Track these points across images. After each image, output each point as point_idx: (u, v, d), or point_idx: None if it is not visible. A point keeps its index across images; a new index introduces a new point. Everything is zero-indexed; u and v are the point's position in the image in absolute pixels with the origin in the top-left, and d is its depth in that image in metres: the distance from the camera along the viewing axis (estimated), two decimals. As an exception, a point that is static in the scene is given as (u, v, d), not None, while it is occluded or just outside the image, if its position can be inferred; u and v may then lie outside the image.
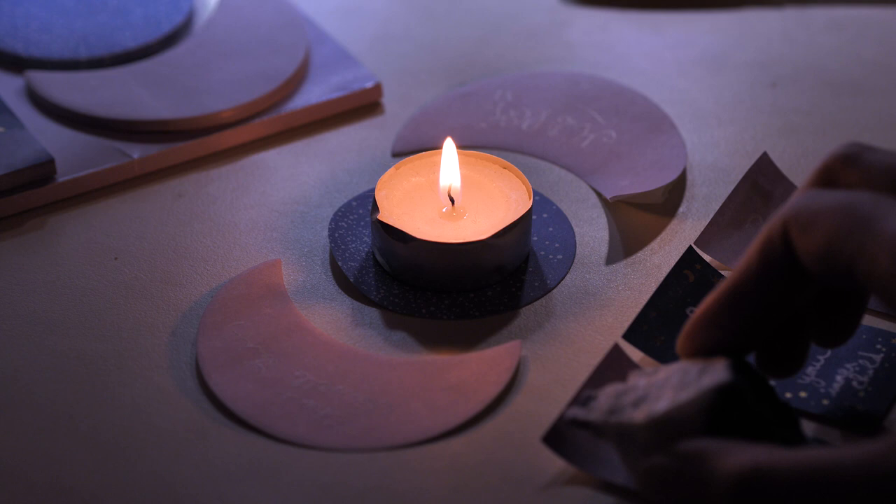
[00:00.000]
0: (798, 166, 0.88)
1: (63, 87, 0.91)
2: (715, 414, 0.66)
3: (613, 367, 0.73)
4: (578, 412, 0.69)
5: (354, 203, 0.86)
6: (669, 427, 0.67)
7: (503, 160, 0.83)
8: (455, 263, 0.79)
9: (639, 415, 0.67)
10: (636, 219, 0.85)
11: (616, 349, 0.73)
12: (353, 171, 0.89)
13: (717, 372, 0.67)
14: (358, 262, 0.82)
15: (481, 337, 0.78)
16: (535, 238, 0.83)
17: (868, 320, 0.78)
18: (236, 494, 0.70)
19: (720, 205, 0.83)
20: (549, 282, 0.81)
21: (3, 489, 0.70)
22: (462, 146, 0.88)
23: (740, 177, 0.84)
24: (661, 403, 0.67)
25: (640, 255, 0.83)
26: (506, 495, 0.70)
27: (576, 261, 0.82)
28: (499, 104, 0.93)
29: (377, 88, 0.94)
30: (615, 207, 0.86)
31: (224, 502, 0.69)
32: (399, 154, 0.90)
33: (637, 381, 0.69)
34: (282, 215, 0.85)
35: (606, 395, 0.69)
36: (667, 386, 0.68)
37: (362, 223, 0.84)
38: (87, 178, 0.87)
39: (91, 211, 0.86)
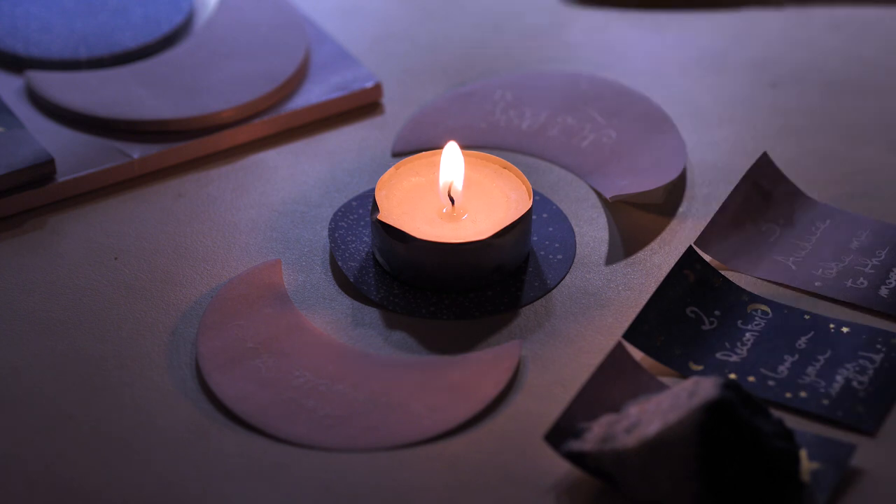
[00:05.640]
0: (798, 166, 0.88)
1: (63, 87, 0.91)
2: (706, 430, 0.66)
3: (615, 366, 0.73)
4: (573, 444, 0.69)
5: (354, 203, 0.85)
6: (662, 448, 0.67)
7: (503, 160, 0.83)
8: (455, 263, 0.79)
9: (631, 440, 0.68)
10: (636, 219, 0.85)
11: (619, 348, 0.73)
12: (353, 171, 0.89)
13: (706, 391, 0.68)
14: (358, 262, 0.82)
15: (481, 337, 0.78)
16: (535, 238, 0.83)
17: (868, 320, 0.78)
18: (236, 494, 0.70)
19: (720, 205, 0.83)
20: (549, 282, 0.81)
21: (3, 488, 0.70)
22: (462, 146, 0.87)
23: (740, 177, 0.84)
24: (653, 426, 0.68)
25: (640, 255, 0.83)
26: (506, 495, 0.70)
27: (576, 261, 0.82)
28: (499, 104, 0.93)
29: (377, 88, 0.94)
30: (615, 207, 0.86)
31: (224, 502, 0.69)
32: (399, 154, 0.90)
33: (629, 409, 0.70)
34: (282, 215, 0.85)
35: (599, 425, 0.69)
36: (658, 411, 0.68)
37: (362, 223, 0.84)
38: (87, 178, 0.87)
39: (91, 211, 0.86)
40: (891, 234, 0.83)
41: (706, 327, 0.77)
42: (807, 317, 0.78)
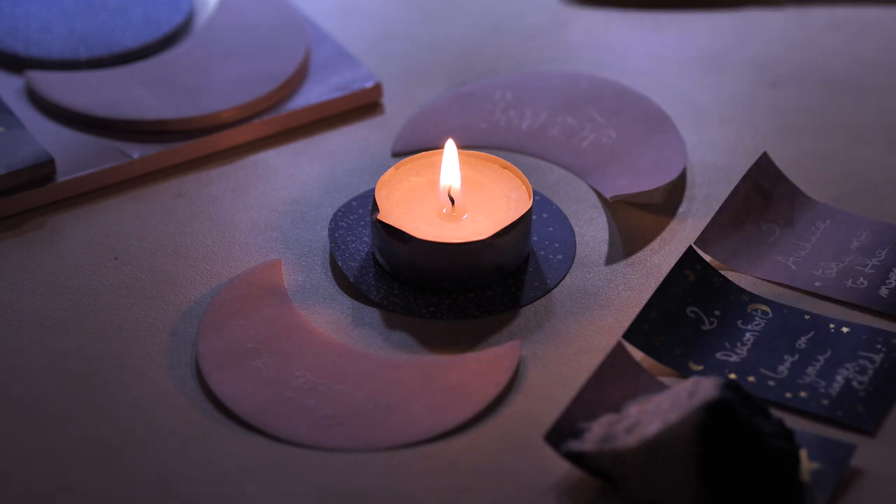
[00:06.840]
0: (798, 166, 0.88)
1: (63, 87, 0.91)
2: (706, 430, 0.66)
3: (615, 366, 0.73)
4: (573, 444, 0.69)
5: (354, 203, 0.85)
6: (662, 448, 0.67)
7: (503, 160, 0.83)
8: (455, 263, 0.79)
9: (631, 440, 0.68)
10: (636, 219, 0.85)
11: (619, 348, 0.73)
12: (353, 171, 0.89)
13: (706, 391, 0.68)
14: (358, 262, 0.82)
15: (481, 337, 0.78)
16: (535, 238, 0.83)
17: (868, 320, 0.78)
18: (236, 494, 0.70)
19: (720, 205, 0.83)
20: (549, 282, 0.81)
21: (3, 489, 0.70)
22: (462, 146, 0.88)
23: (740, 177, 0.84)
24: (653, 426, 0.68)
25: (640, 255, 0.83)
26: (506, 495, 0.70)
27: (576, 261, 0.82)
28: (499, 104, 0.93)
29: (377, 88, 0.94)
30: (615, 207, 0.86)
31: (224, 502, 0.69)
32: (399, 154, 0.90)
33: (629, 409, 0.70)
34: (282, 215, 0.85)
35: (599, 425, 0.69)
36: (658, 411, 0.68)
37: (362, 223, 0.84)
38: (87, 178, 0.87)
39: (91, 211, 0.86)
40: (891, 234, 0.83)
41: (706, 327, 0.77)
42: (807, 317, 0.78)
